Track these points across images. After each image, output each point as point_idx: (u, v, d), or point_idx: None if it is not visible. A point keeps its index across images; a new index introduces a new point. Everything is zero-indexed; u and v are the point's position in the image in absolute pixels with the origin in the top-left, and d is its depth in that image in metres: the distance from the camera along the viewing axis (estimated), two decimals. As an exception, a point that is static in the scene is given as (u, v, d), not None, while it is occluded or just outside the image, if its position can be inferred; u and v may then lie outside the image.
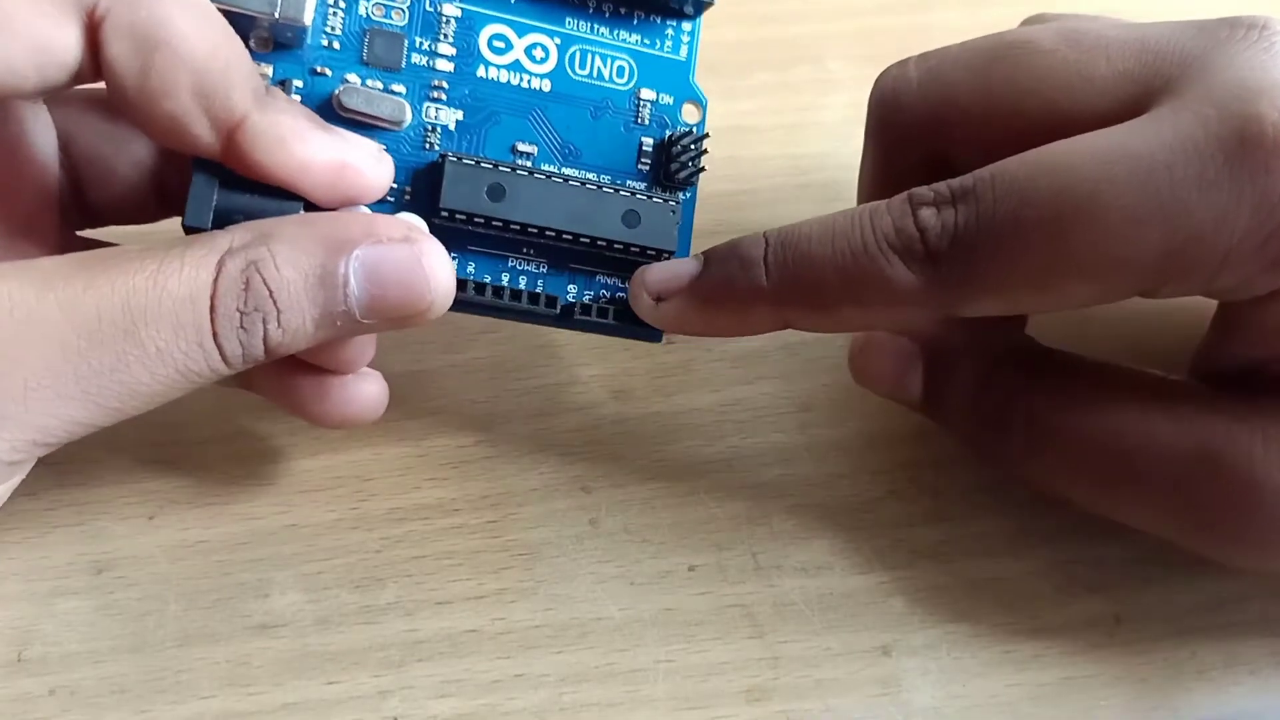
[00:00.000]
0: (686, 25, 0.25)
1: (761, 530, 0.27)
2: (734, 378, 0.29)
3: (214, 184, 0.21)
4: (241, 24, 0.22)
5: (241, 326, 0.20)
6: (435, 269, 0.21)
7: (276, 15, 0.21)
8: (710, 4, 0.25)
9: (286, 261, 0.20)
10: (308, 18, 0.22)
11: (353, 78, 0.23)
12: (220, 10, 0.21)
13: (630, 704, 0.24)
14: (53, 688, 0.24)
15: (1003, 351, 0.25)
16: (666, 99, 0.25)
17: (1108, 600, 0.26)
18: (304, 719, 0.24)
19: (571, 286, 0.24)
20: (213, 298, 0.20)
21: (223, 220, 0.21)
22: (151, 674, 0.24)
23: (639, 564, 0.26)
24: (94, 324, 0.19)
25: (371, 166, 0.22)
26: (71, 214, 0.25)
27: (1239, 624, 0.26)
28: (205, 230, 0.21)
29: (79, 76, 0.21)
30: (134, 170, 0.25)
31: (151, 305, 0.19)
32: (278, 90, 0.22)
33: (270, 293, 0.20)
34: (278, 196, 0.21)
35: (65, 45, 0.20)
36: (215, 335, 0.20)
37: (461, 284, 0.23)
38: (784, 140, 0.33)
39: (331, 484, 0.26)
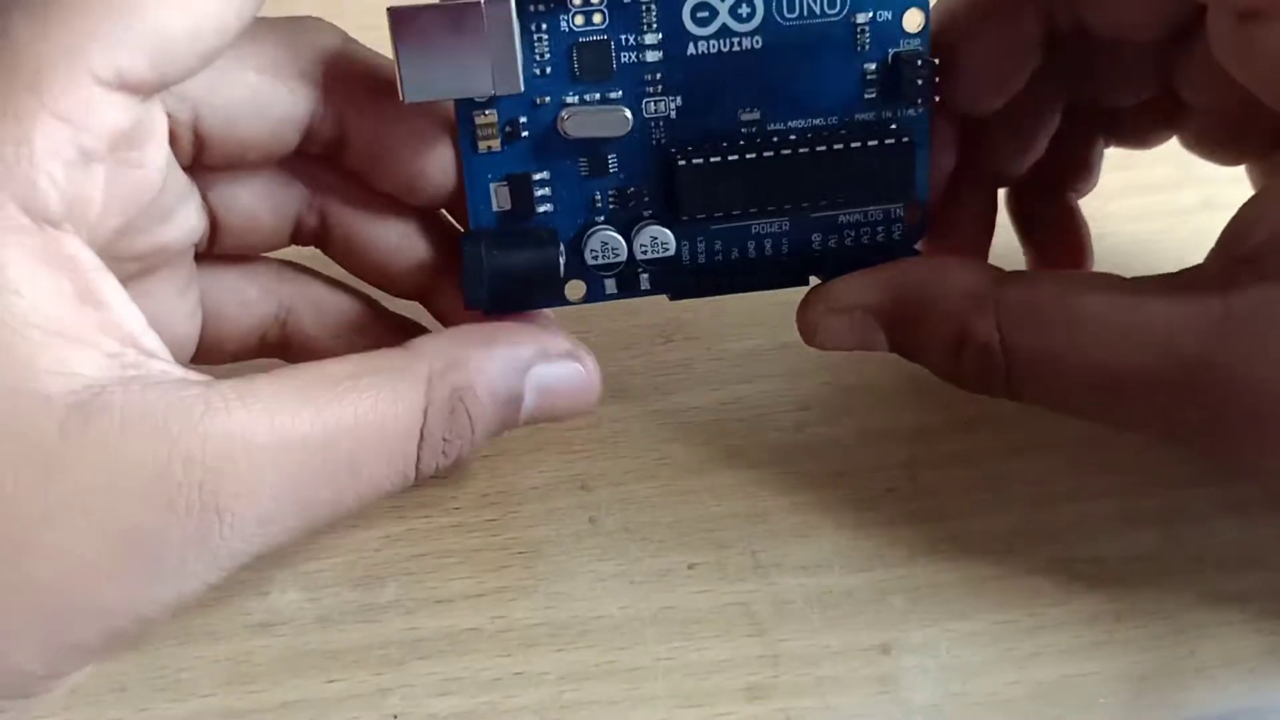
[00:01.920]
0: None
1: (761, 528, 0.27)
2: (733, 376, 0.29)
3: (480, 258, 0.23)
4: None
5: (443, 452, 0.21)
6: (594, 380, 0.24)
7: (493, 91, 0.22)
8: None
9: (484, 388, 0.22)
10: (521, 82, 0.22)
11: (570, 99, 0.23)
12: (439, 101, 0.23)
13: (630, 702, 0.24)
14: (53, 686, 0.24)
15: (967, 288, 0.24)
16: (884, 15, 0.24)
17: (1107, 598, 0.26)
18: (304, 717, 0.24)
19: (816, 235, 0.25)
20: (422, 429, 0.21)
21: (498, 295, 0.24)
22: (151, 672, 0.24)
23: (639, 562, 0.26)
24: (321, 461, 0.20)
25: None
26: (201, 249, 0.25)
27: (1238, 622, 0.26)
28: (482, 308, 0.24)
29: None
30: (279, 217, 0.25)
31: (373, 440, 0.20)
32: None
33: (471, 420, 0.21)
34: (531, 245, 0.23)
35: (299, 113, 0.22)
36: (419, 461, 0.21)
37: (707, 270, 0.24)
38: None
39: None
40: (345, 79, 0.23)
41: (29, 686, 0.19)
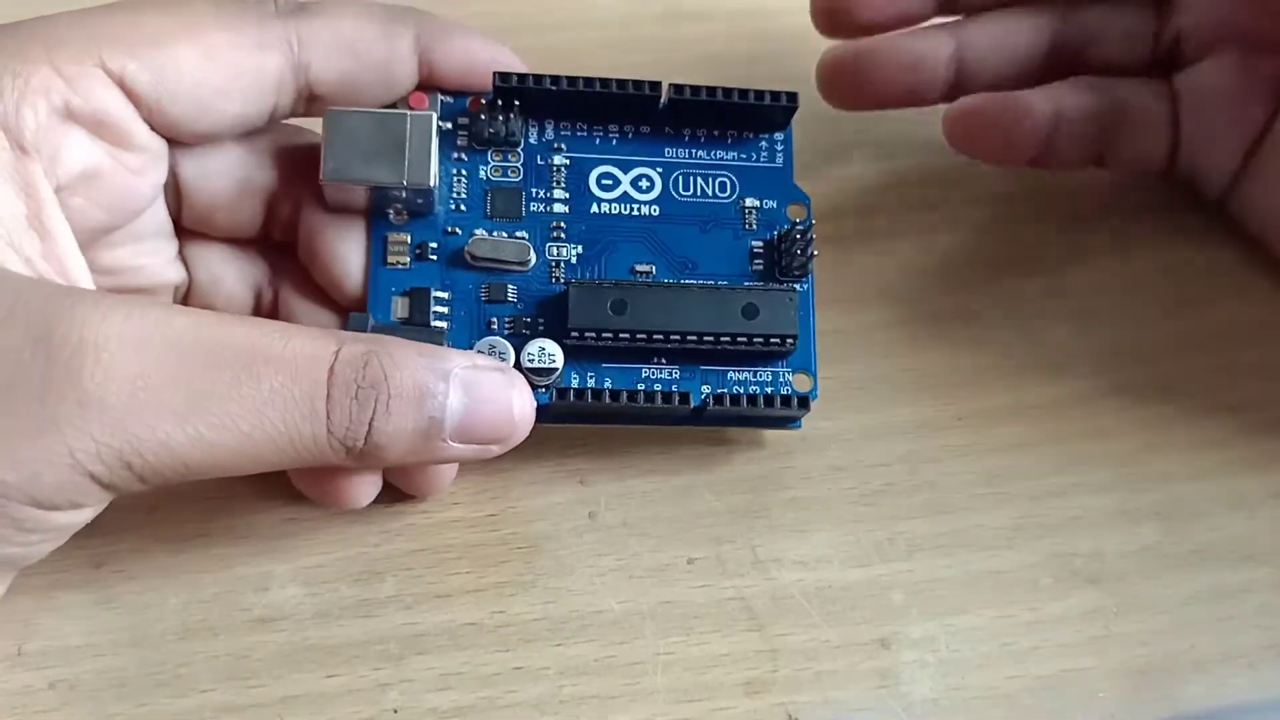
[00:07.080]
0: (779, 135, 0.27)
1: (760, 523, 0.27)
2: (733, 371, 0.29)
3: (364, 327, 0.24)
4: (378, 200, 0.25)
5: (355, 398, 0.21)
6: (524, 394, 0.23)
7: (404, 182, 0.24)
8: (796, 109, 0.26)
9: (398, 365, 0.21)
10: (433, 179, 0.24)
11: (480, 232, 0.25)
12: (354, 185, 0.24)
13: (629, 697, 0.24)
14: (53, 681, 0.24)
15: None
16: (770, 204, 0.26)
17: (1106, 593, 0.26)
18: (303, 712, 0.24)
19: (705, 386, 0.25)
20: (332, 366, 0.21)
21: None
22: (151, 667, 0.24)
23: (638, 557, 0.26)
24: (216, 347, 0.20)
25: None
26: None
27: (1237, 617, 0.26)
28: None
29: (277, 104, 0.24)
30: (244, 286, 0.26)
31: (275, 350, 0.20)
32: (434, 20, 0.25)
33: (385, 377, 0.21)
34: (417, 329, 0.24)
35: (270, 76, 0.23)
36: (329, 398, 0.21)
37: (597, 393, 0.24)
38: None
39: (331, 478, 0.26)
40: (308, 172, 0.24)
41: None
